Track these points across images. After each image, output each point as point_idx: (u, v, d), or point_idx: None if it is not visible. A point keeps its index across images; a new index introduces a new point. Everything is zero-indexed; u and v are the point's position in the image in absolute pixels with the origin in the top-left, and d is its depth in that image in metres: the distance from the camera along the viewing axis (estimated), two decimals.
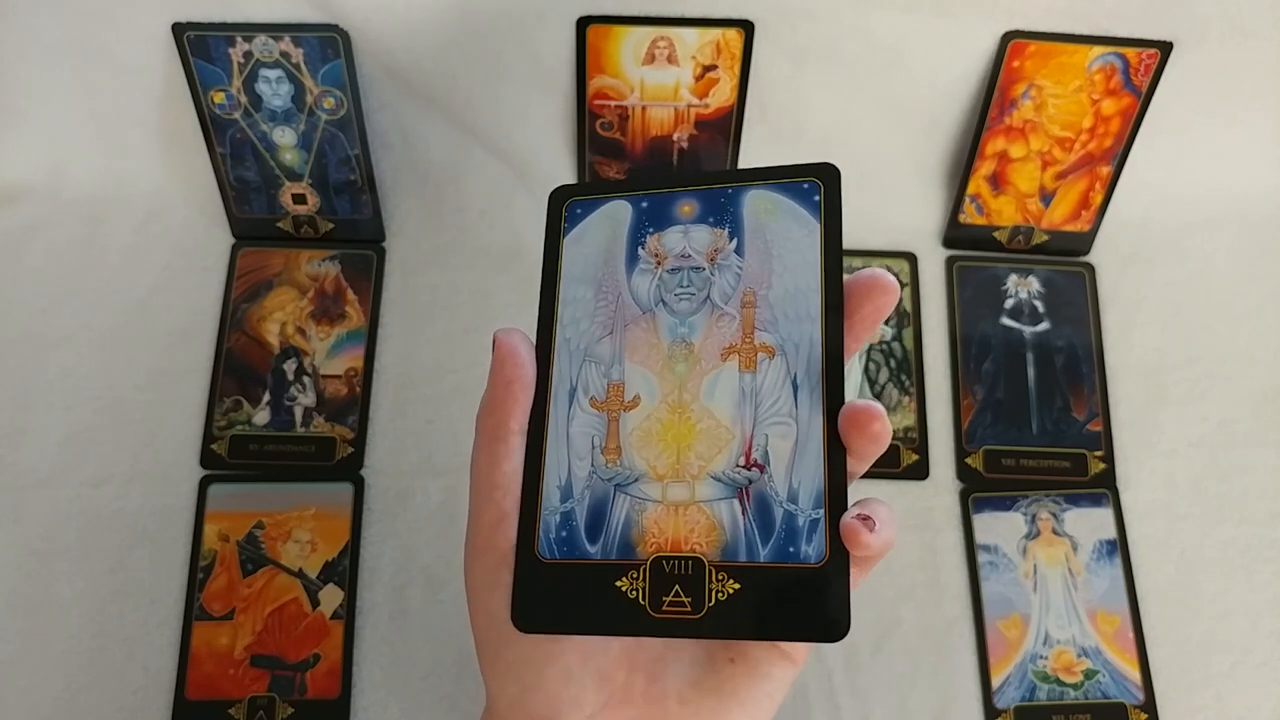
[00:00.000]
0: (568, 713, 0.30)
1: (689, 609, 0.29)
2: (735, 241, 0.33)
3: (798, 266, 0.32)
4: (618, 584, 0.30)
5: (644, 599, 0.30)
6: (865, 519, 0.28)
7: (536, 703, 0.31)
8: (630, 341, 0.33)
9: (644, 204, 0.34)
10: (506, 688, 0.31)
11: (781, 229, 0.33)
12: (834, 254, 0.32)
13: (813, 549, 0.29)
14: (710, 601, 0.29)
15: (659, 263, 0.34)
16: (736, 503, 0.30)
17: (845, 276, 0.32)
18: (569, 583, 0.30)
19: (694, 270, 0.33)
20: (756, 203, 0.33)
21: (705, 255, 0.33)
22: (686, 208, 0.34)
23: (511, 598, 0.31)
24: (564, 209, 0.35)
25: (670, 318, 0.33)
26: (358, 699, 0.54)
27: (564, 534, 0.31)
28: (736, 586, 0.29)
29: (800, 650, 0.32)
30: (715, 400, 0.31)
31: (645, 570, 0.30)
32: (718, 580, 0.30)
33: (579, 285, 0.34)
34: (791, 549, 0.29)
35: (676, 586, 0.30)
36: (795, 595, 0.29)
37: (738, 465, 0.31)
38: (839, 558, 0.29)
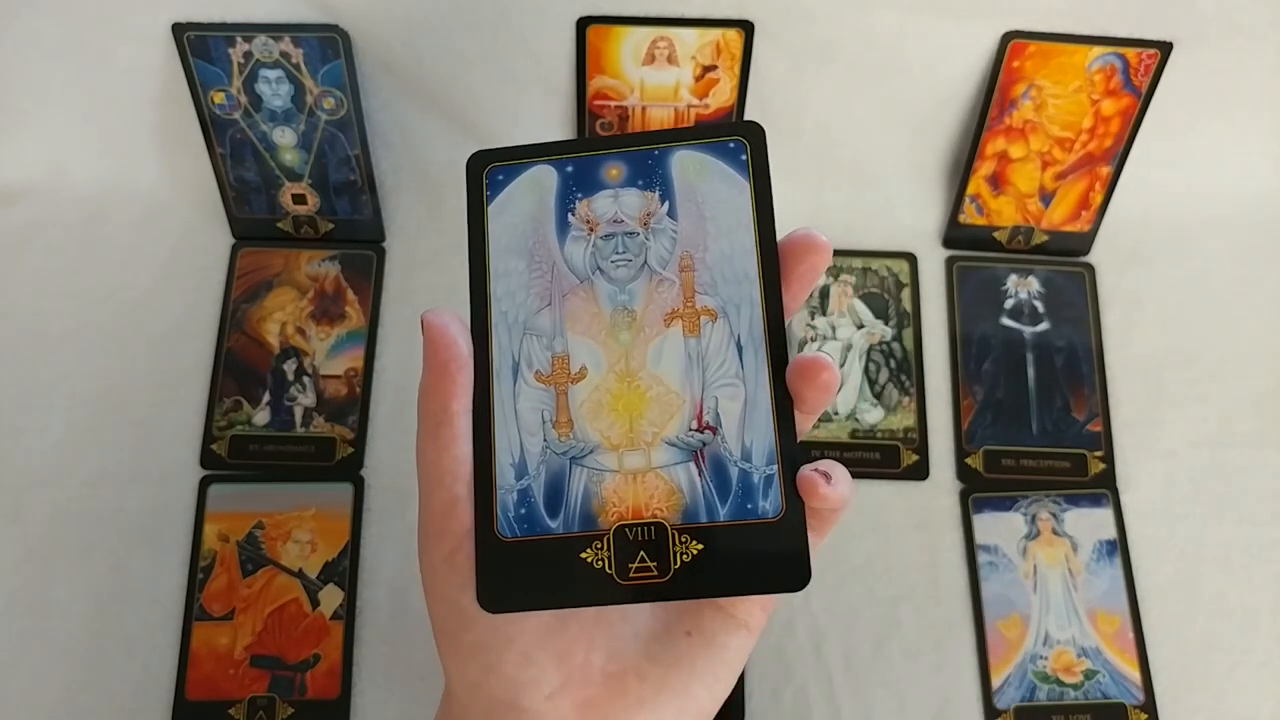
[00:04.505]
0: (528, 694, 0.31)
1: (655, 573, 0.30)
2: (667, 204, 0.33)
3: (732, 228, 0.33)
4: (583, 555, 0.30)
5: (610, 568, 0.30)
6: (823, 473, 0.30)
7: (496, 685, 0.31)
8: (570, 312, 0.33)
9: (569, 168, 0.34)
10: (466, 672, 0.32)
11: (712, 190, 0.33)
12: (766, 214, 0.33)
13: (769, 504, 0.30)
14: (676, 564, 0.30)
15: (591, 229, 0.33)
16: (693, 466, 0.31)
17: (778, 237, 0.32)
18: (533, 559, 0.31)
19: (628, 235, 0.33)
20: (684, 163, 0.33)
21: (638, 219, 0.33)
22: (613, 170, 0.34)
23: (476, 580, 0.31)
24: (484, 176, 0.34)
25: (609, 285, 0.33)
26: (358, 699, 0.54)
27: (523, 511, 0.31)
28: (700, 547, 0.30)
29: (756, 619, 0.32)
30: (663, 366, 0.32)
31: (609, 540, 0.30)
32: (681, 542, 0.30)
33: (510, 256, 0.33)
34: (749, 506, 0.30)
35: (641, 552, 0.30)
36: (757, 549, 0.30)
37: (691, 429, 0.31)
38: (795, 510, 0.30)
